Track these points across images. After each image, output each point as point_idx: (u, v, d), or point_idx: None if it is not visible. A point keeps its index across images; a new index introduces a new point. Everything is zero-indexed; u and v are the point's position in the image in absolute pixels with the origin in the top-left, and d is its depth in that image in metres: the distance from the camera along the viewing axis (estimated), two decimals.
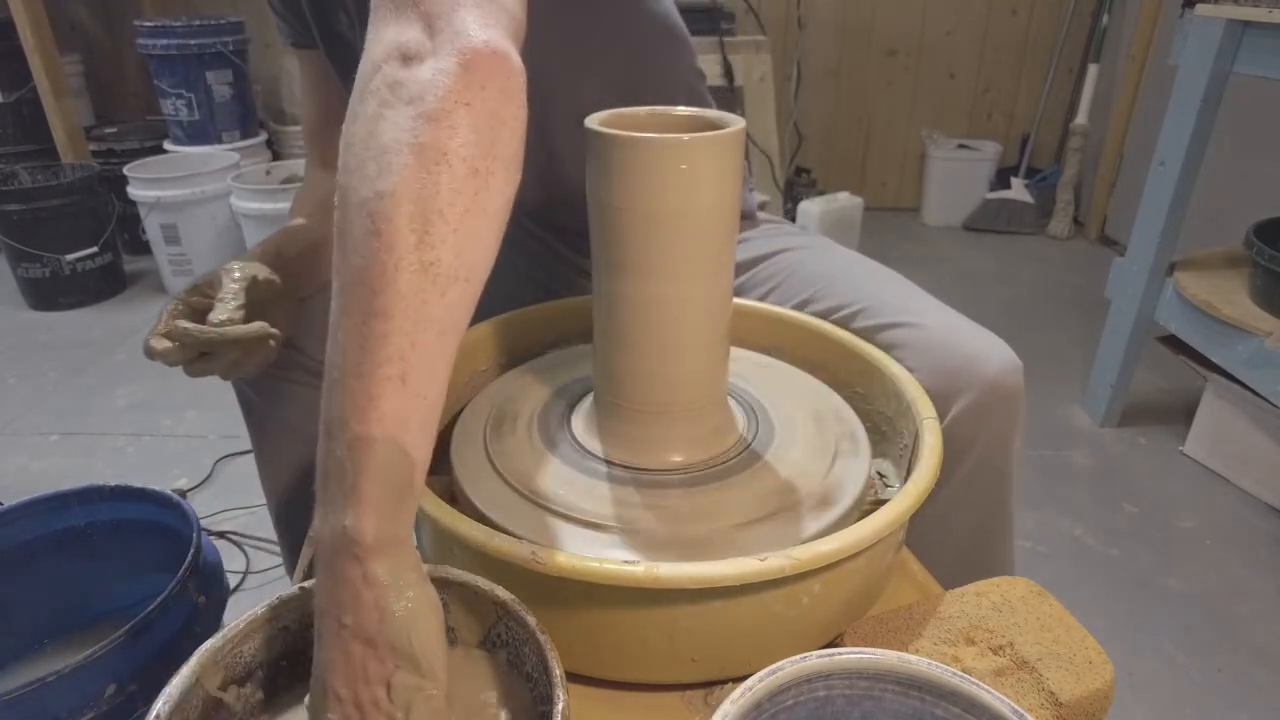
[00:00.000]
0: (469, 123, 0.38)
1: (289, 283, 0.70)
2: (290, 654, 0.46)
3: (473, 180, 0.39)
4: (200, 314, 0.64)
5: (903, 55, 2.98)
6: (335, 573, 0.39)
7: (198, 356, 0.64)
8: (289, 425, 0.79)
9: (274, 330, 0.64)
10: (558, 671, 0.41)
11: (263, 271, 0.66)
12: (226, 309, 0.62)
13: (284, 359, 0.72)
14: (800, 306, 0.79)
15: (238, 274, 0.65)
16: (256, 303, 0.65)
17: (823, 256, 0.83)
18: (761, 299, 0.82)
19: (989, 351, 0.66)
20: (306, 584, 0.45)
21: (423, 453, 0.39)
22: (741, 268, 0.84)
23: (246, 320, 0.64)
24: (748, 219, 0.90)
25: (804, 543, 0.47)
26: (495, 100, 0.39)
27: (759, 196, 0.93)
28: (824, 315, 0.76)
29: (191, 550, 0.71)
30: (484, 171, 0.39)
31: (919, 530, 0.66)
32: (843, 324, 0.74)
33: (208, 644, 0.43)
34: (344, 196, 0.39)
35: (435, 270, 0.38)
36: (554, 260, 0.92)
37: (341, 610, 0.39)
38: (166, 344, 0.62)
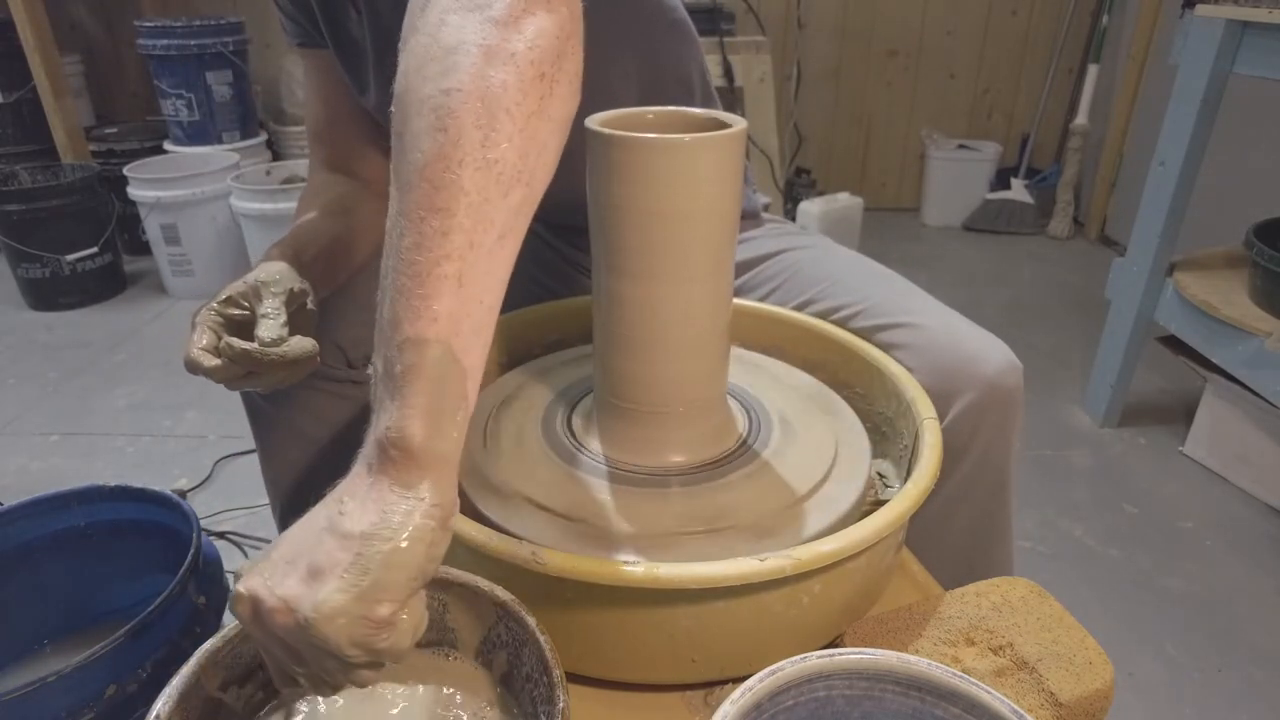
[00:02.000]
0: (536, 29, 0.38)
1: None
2: None
3: (539, 84, 0.38)
4: (240, 327, 0.63)
5: (903, 55, 2.98)
6: (365, 465, 0.37)
7: (244, 373, 0.62)
8: (294, 427, 0.78)
9: (317, 346, 0.63)
10: (558, 672, 0.41)
11: (296, 282, 0.65)
12: (275, 327, 0.60)
13: None
14: (801, 307, 0.79)
15: (275, 288, 0.63)
16: (291, 315, 0.64)
17: (824, 257, 0.83)
18: (762, 299, 0.82)
19: (988, 352, 0.66)
20: None
21: (475, 360, 0.38)
22: (743, 267, 0.84)
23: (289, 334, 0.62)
24: (752, 219, 0.90)
25: (804, 543, 0.47)
26: (563, 18, 0.39)
27: (762, 198, 0.93)
28: (824, 315, 0.76)
29: (191, 550, 0.71)
30: (550, 78, 0.38)
31: (919, 530, 0.66)
32: (843, 324, 0.74)
33: (208, 644, 0.43)
34: (403, 96, 0.38)
35: (499, 169, 0.37)
36: (555, 259, 0.92)
37: (347, 494, 0.36)
38: (215, 361, 0.60)
